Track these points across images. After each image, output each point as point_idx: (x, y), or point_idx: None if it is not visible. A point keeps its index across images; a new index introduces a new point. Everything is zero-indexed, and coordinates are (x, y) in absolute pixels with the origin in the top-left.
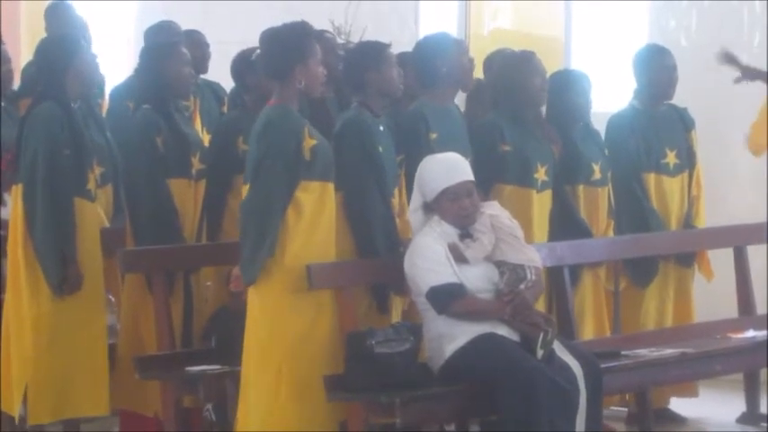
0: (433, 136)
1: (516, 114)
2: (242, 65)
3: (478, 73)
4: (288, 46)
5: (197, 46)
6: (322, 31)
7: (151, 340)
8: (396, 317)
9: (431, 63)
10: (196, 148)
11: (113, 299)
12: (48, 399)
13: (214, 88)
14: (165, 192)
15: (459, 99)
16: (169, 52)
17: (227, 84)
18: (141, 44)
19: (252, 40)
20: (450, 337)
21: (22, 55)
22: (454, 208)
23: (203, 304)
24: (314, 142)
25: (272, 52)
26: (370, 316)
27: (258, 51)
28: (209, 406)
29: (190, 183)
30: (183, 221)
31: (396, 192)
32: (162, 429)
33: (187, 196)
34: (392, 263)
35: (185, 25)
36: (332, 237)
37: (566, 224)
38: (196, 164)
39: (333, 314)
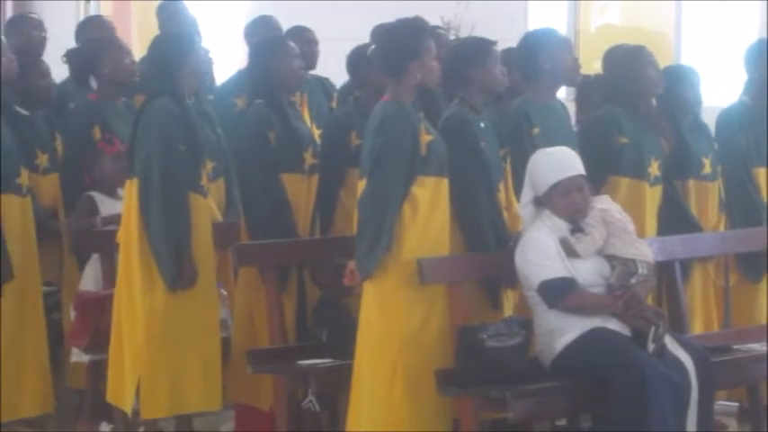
0: (536, 131)
1: (630, 107)
2: (357, 60)
3: (588, 69)
4: (403, 42)
5: (306, 43)
6: (434, 27)
7: (264, 334)
8: (508, 311)
9: (534, 58)
10: (308, 142)
11: (226, 293)
12: (161, 393)
13: (323, 83)
14: (279, 186)
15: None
16: (278, 47)
17: (336, 80)
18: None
19: (362, 36)
20: (561, 331)
21: (134, 53)
22: (565, 202)
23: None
24: (430, 138)
25: (386, 49)
26: (483, 310)
27: (373, 47)
28: (312, 397)
29: (302, 177)
30: (296, 216)
31: (501, 186)
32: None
33: (300, 191)
34: (503, 257)
35: (295, 22)
36: (446, 232)
37: (676, 219)
38: (309, 159)
39: (446, 309)
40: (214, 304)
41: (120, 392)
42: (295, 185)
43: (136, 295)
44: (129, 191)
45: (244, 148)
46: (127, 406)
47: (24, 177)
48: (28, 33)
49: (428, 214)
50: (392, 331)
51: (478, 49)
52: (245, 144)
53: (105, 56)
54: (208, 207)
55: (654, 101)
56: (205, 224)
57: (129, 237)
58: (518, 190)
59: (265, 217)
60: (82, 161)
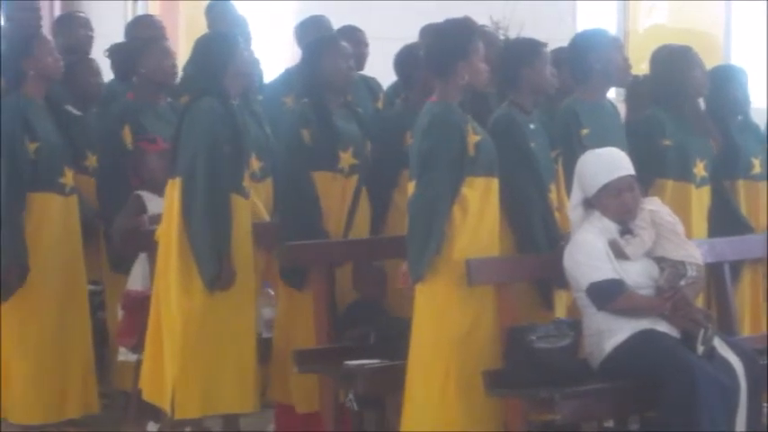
0: (585, 132)
1: (676, 108)
2: (406, 60)
3: (636, 70)
4: (451, 42)
5: (356, 43)
6: (482, 27)
7: (304, 334)
8: (560, 312)
9: (584, 58)
10: (349, 142)
11: (273, 293)
12: (195, 393)
13: (369, 83)
14: (309, 184)
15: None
16: (329, 47)
17: (382, 80)
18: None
19: (409, 36)
20: (609, 333)
21: (181, 53)
22: (615, 203)
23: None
24: (477, 138)
25: (434, 49)
26: (535, 311)
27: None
28: (351, 396)
29: (337, 176)
30: (327, 215)
31: (552, 186)
32: (318, 423)
33: (333, 190)
34: (552, 257)
35: (342, 22)
36: (496, 232)
37: (725, 220)
38: (348, 159)
39: (496, 310)
40: (251, 306)
41: (158, 391)
42: (328, 184)
43: (173, 294)
44: (171, 190)
45: (281, 146)
46: (167, 405)
47: (69, 177)
48: (76, 32)
49: (478, 215)
50: (444, 333)
51: (528, 49)
52: (281, 142)
53: (145, 56)
54: (248, 208)
55: (702, 101)
56: (245, 225)
57: (169, 236)
58: (570, 190)
59: (292, 214)
60: (128, 164)
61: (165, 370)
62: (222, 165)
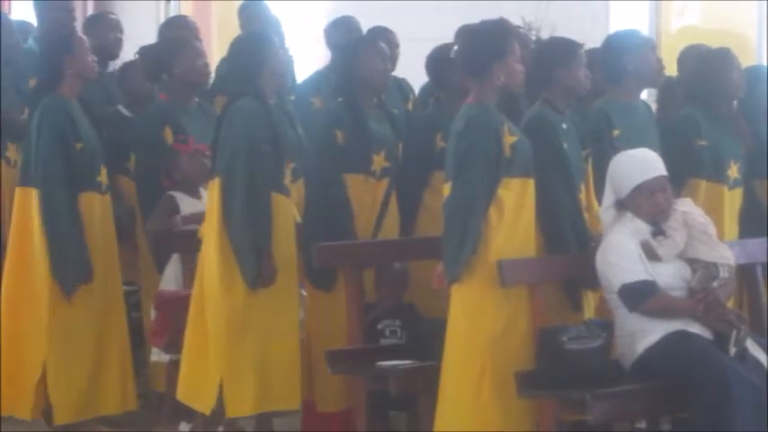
0: (616, 133)
1: (711, 109)
2: (439, 61)
3: (669, 71)
4: (487, 44)
5: (387, 44)
6: (516, 27)
7: (334, 335)
8: (588, 313)
9: (618, 59)
10: (382, 145)
11: (305, 293)
12: (244, 392)
13: (400, 84)
14: (340, 186)
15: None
16: (365, 47)
17: (413, 81)
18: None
19: (441, 37)
20: (642, 334)
21: (213, 54)
22: (648, 203)
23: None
24: (514, 139)
25: (470, 50)
26: (563, 312)
27: (455, 48)
28: None
29: (368, 179)
30: (357, 216)
31: (582, 187)
32: (342, 422)
33: (364, 192)
34: (584, 259)
35: (374, 23)
36: (532, 233)
37: (758, 221)
38: (380, 161)
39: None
40: (295, 304)
41: (196, 391)
42: (359, 186)
43: (216, 294)
44: (212, 190)
45: (312, 147)
46: (205, 405)
47: (104, 175)
48: (105, 34)
49: (514, 216)
50: (479, 333)
51: (565, 50)
52: (313, 142)
53: (178, 56)
54: (290, 207)
55: (735, 102)
56: (287, 223)
57: (210, 236)
58: (599, 191)
59: (322, 216)
60: (161, 166)
61: (207, 370)
62: (261, 164)
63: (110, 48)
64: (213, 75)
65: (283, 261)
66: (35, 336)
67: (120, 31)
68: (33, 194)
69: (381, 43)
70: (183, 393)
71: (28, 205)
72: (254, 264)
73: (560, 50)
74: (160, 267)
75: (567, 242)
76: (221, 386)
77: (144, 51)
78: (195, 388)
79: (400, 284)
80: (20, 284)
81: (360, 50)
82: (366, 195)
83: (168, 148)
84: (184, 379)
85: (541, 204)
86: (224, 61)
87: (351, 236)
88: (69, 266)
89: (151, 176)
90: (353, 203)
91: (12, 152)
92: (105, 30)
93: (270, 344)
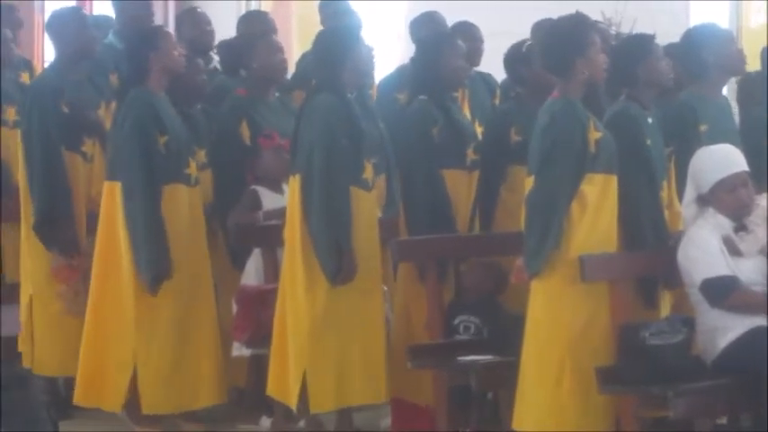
0: (703, 128)
1: None
2: (514, 57)
3: (752, 66)
4: (567, 39)
5: (471, 39)
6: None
7: (422, 329)
8: (665, 311)
9: (698, 53)
10: (471, 138)
11: (387, 288)
12: (328, 387)
13: (486, 79)
14: (440, 182)
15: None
16: (445, 44)
17: (498, 75)
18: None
19: (523, 32)
20: (723, 329)
21: (293, 52)
22: (731, 198)
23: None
24: (599, 135)
25: (551, 46)
26: (636, 309)
27: (528, 43)
28: None
29: (464, 173)
30: (456, 212)
31: (664, 184)
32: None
33: (461, 187)
34: (664, 256)
35: (455, 18)
36: (614, 229)
37: None
38: (471, 155)
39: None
40: (378, 299)
41: (284, 387)
42: (456, 181)
43: (299, 290)
44: (293, 187)
45: (407, 145)
46: (291, 401)
47: (193, 168)
48: (198, 28)
49: (596, 211)
50: (559, 329)
51: (641, 45)
52: (408, 140)
53: (256, 51)
54: (371, 201)
55: None
56: (369, 218)
57: (293, 232)
58: (682, 188)
59: (425, 213)
60: (245, 161)
61: (289, 366)
62: (340, 159)
63: (203, 41)
64: (292, 70)
65: (365, 255)
66: (123, 328)
67: (209, 23)
68: (117, 188)
69: (459, 40)
70: (273, 388)
71: (114, 199)
72: (334, 259)
73: (636, 48)
74: (236, 262)
75: (646, 239)
76: (304, 382)
77: (221, 46)
78: (283, 383)
79: (494, 280)
80: (107, 279)
81: (438, 47)
82: (462, 189)
83: (244, 143)
84: (273, 374)
85: (622, 201)
86: (306, 54)
87: (453, 231)
88: (148, 263)
89: (228, 171)
90: (452, 198)
91: (88, 147)
92: (198, 24)
93: (352, 340)
